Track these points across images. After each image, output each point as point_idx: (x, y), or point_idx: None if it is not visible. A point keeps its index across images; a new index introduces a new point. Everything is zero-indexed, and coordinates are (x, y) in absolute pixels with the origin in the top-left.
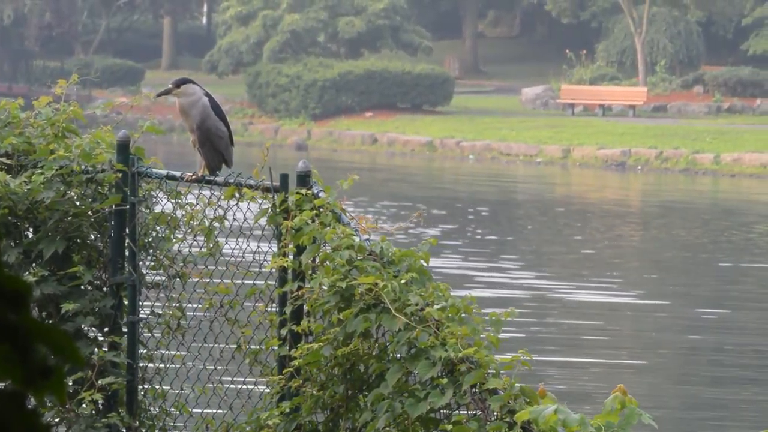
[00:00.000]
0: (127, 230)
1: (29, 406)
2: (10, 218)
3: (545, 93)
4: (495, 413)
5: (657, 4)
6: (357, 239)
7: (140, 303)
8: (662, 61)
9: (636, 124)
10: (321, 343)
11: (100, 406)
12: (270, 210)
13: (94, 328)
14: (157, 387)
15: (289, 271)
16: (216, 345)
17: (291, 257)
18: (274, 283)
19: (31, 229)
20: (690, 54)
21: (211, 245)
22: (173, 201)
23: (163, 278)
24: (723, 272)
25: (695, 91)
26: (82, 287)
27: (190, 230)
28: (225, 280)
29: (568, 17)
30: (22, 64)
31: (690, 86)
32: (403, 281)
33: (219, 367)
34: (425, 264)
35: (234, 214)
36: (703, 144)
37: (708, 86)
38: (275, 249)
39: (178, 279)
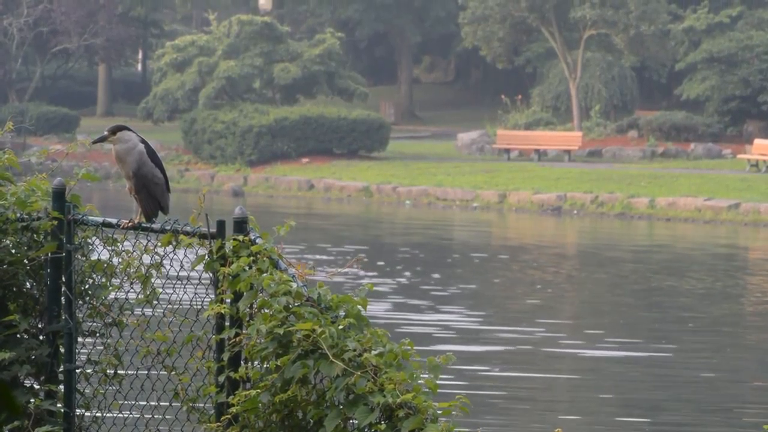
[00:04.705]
0: (63, 278)
1: None
2: None
3: (481, 138)
4: None
5: (591, 49)
6: (294, 285)
7: (77, 351)
8: (597, 106)
9: (571, 169)
10: (259, 390)
11: None
12: (207, 257)
13: (30, 377)
14: None
15: (227, 317)
16: (154, 392)
17: (228, 304)
18: (211, 330)
19: None
20: (624, 99)
21: (148, 292)
22: (110, 248)
23: (100, 326)
24: (662, 317)
25: (630, 136)
26: (18, 336)
27: (126, 277)
28: (162, 328)
29: (503, 62)
30: None
31: (624, 131)
32: (340, 327)
33: (156, 415)
34: (363, 310)
35: (171, 261)
36: (638, 188)
37: (642, 131)
38: (212, 296)
39: (115, 327)
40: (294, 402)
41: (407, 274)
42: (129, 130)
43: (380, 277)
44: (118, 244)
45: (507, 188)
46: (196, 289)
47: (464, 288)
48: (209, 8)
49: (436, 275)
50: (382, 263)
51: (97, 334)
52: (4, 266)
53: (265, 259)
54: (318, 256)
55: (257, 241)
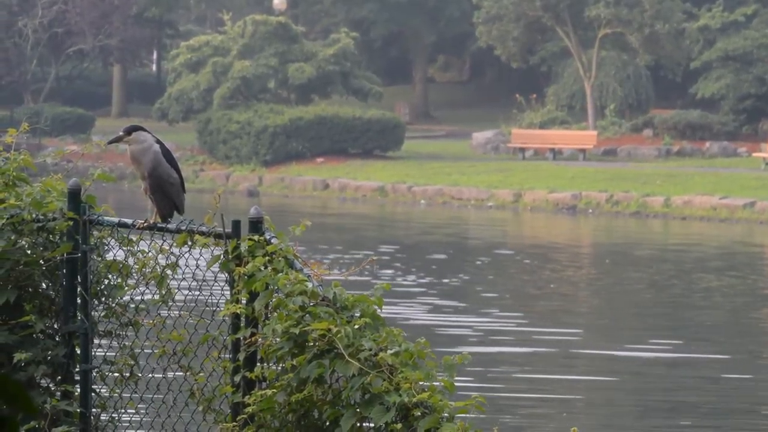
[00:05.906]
0: (79, 278)
1: None
2: None
3: (496, 137)
4: None
5: (606, 48)
6: (310, 285)
7: (93, 351)
8: (612, 105)
9: (586, 168)
10: (275, 390)
11: None
12: (222, 257)
13: (46, 377)
14: None
15: (242, 317)
16: (169, 392)
17: (244, 303)
18: (227, 330)
19: None
20: (639, 97)
21: (164, 292)
22: (125, 248)
23: (116, 326)
24: (689, 317)
25: (645, 135)
26: (35, 336)
27: (142, 278)
28: (178, 328)
29: (518, 62)
30: None
31: (639, 129)
32: (356, 327)
33: (172, 415)
34: (378, 309)
35: (186, 261)
36: (654, 187)
37: (657, 129)
38: (228, 296)
39: (130, 327)
40: (310, 402)
41: (424, 274)
42: (144, 130)
43: (398, 277)
44: (134, 244)
45: (522, 187)
46: (211, 289)
47: (485, 288)
48: (224, 9)
49: (456, 275)
50: (399, 263)
51: (113, 335)
52: (20, 267)
53: (280, 258)
54: (333, 256)
55: (272, 240)
